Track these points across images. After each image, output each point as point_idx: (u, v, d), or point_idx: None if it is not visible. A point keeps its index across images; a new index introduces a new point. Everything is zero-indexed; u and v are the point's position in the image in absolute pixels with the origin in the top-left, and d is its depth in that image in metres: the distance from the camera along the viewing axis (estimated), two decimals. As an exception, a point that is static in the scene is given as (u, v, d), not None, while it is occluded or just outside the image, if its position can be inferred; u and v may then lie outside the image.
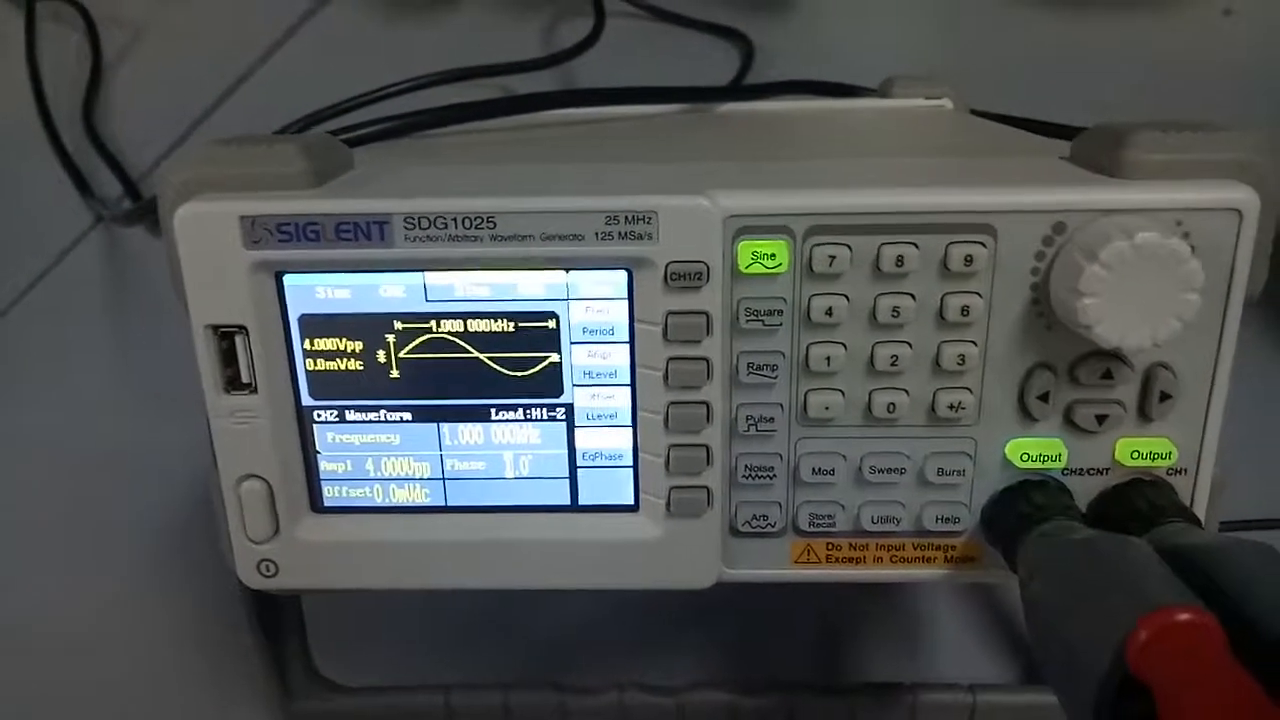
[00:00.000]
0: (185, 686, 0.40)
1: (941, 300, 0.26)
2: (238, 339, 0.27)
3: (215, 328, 0.27)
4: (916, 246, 0.25)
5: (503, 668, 0.38)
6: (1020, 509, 0.26)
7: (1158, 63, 0.59)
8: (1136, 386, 0.26)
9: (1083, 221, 0.25)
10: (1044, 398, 0.26)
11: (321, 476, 0.29)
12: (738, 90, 0.56)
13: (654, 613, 0.42)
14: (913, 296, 0.26)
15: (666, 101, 0.46)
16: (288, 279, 0.27)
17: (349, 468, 0.28)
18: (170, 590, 0.43)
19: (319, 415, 0.28)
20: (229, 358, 0.27)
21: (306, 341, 0.27)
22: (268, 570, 0.29)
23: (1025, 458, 0.27)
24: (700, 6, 0.76)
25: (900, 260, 0.25)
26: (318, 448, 0.28)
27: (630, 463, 0.28)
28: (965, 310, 0.26)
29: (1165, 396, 0.26)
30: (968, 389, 0.27)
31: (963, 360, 0.26)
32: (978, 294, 0.26)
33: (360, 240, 0.26)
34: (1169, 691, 0.20)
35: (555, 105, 0.43)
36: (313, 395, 0.28)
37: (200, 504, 0.45)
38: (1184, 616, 0.20)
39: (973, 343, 0.26)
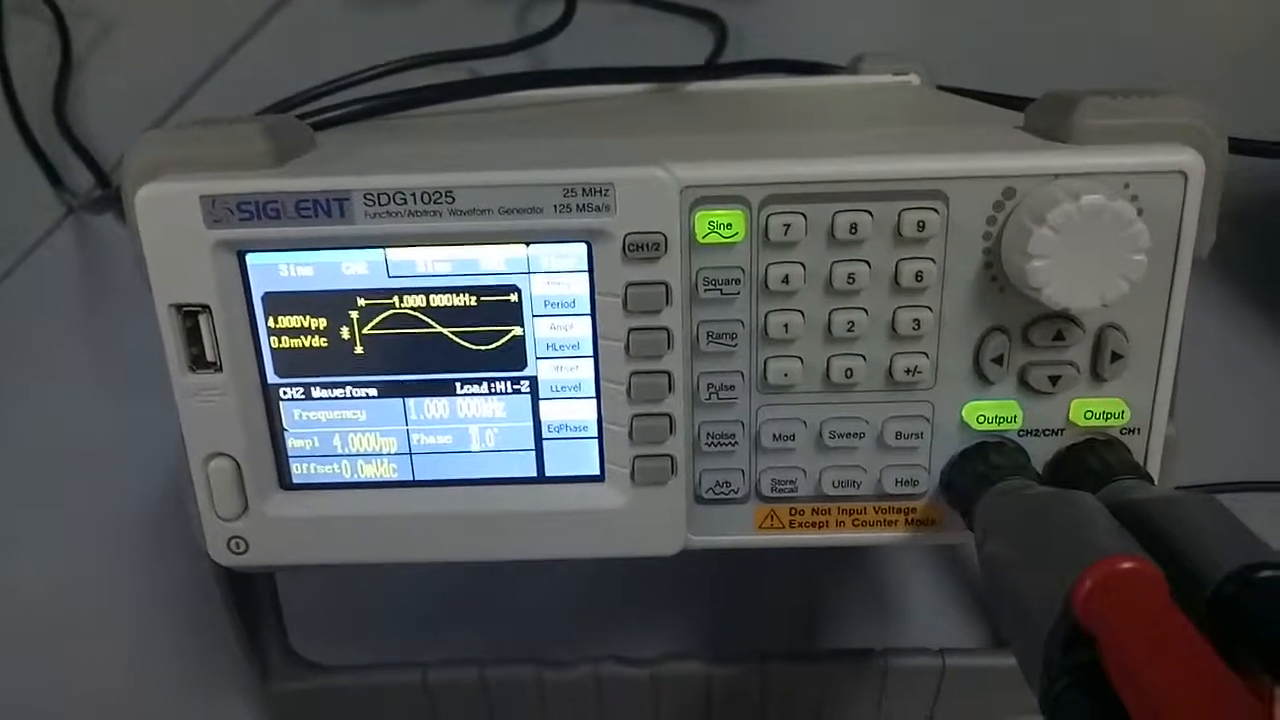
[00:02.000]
0: (163, 671, 0.40)
1: (896, 266, 0.26)
2: (201, 318, 0.27)
3: (179, 307, 0.27)
4: (870, 214, 0.26)
5: (479, 645, 0.39)
6: (977, 470, 0.27)
7: (1130, 42, 0.59)
8: (1088, 348, 0.27)
9: (1032, 186, 0.25)
10: (998, 360, 0.27)
11: (289, 453, 0.29)
12: (705, 69, 0.56)
13: (629, 586, 0.42)
14: (868, 263, 0.26)
15: (634, 81, 0.46)
16: (250, 257, 0.27)
17: (316, 444, 0.29)
18: (148, 575, 0.44)
19: (285, 392, 0.28)
20: (193, 337, 0.27)
21: (270, 319, 0.27)
22: (238, 547, 0.29)
23: (982, 420, 0.27)
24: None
25: (854, 228, 0.26)
26: (284, 425, 0.29)
27: (595, 433, 0.28)
28: (919, 276, 0.26)
29: (1116, 357, 0.27)
30: (924, 353, 0.27)
31: (918, 325, 0.27)
32: (931, 260, 0.26)
33: (321, 217, 0.26)
34: (1113, 638, 0.20)
35: (521, 86, 0.43)
36: (278, 373, 0.28)
37: (173, 488, 0.45)
38: (1128, 565, 0.21)
39: (928, 308, 0.27)
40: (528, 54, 0.64)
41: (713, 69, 0.58)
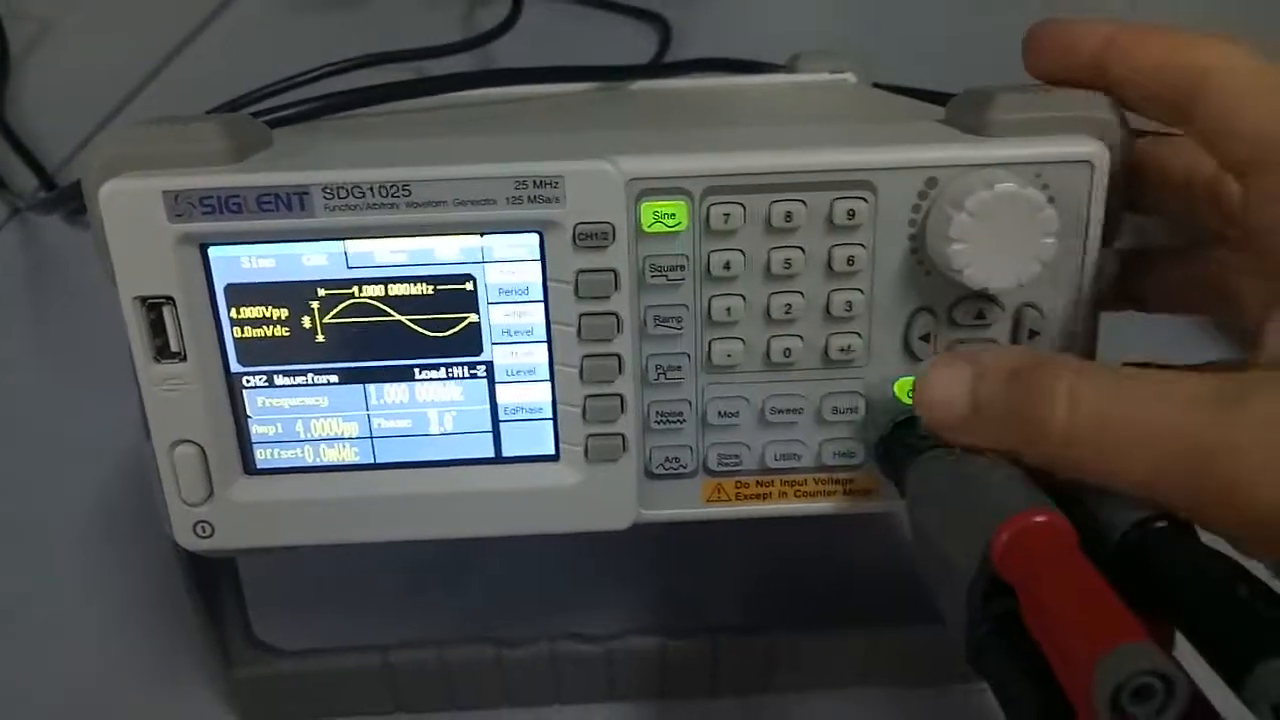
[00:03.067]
0: (122, 661, 0.41)
1: (829, 252, 0.28)
2: (165, 310, 0.28)
3: (143, 299, 0.28)
4: (804, 203, 0.28)
5: (437, 627, 0.40)
6: (908, 441, 0.29)
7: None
8: (1008, 325, 0.29)
9: (952, 176, 0.27)
10: (926, 338, 0.29)
11: (253, 439, 0.30)
12: (650, 69, 0.57)
13: (585, 565, 0.44)
14: (803, 250, 0.28)
15: (581, 80, 0.48)
16: (212, 250, 0.28)
17: (279, 430, 0.30)
18: (105, 567, 0.44)
19: (248, 380, 0.29)
20: (158, 328, 0.28)
21: (233, 310, 0.28)
22: (203, 531, 0.30)
23: (911, 394, 0.29)
24: (616, -11, 0.78)
25: (789, 216, 0.28)
26: (248, 412, 0.30)
27: (550, 414, 0.30)
28: (851, 260, 0.28)
29: (1034, 334, 0.29)
30: (856, 333, 0.29)
31: (850, 307, 0.28)
32: (862, 245, 0.28)
33: (281, 211, 0.27)
34: (1029, 588, 0.22)
35: (471, 85, 0.44)
36: (241, 361, 0.29)
37: (128, 480, 0.46)
38: (1040, 518, 0.23)
39: (859, 290, 0.28)
40: (475, 54, 0.65)
41: (656, 68, 0.59)
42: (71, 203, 0.50)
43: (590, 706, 0.39)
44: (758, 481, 0.31)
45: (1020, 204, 0.26)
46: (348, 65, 0.55)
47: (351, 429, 0.30)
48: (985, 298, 0.28)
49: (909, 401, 0.29)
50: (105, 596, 0.43)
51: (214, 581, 0.36)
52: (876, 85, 0.47)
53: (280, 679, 0.38)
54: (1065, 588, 0.21)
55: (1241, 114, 0.25)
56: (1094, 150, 0.27)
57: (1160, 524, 0.23)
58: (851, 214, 0.27)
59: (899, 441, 0.29)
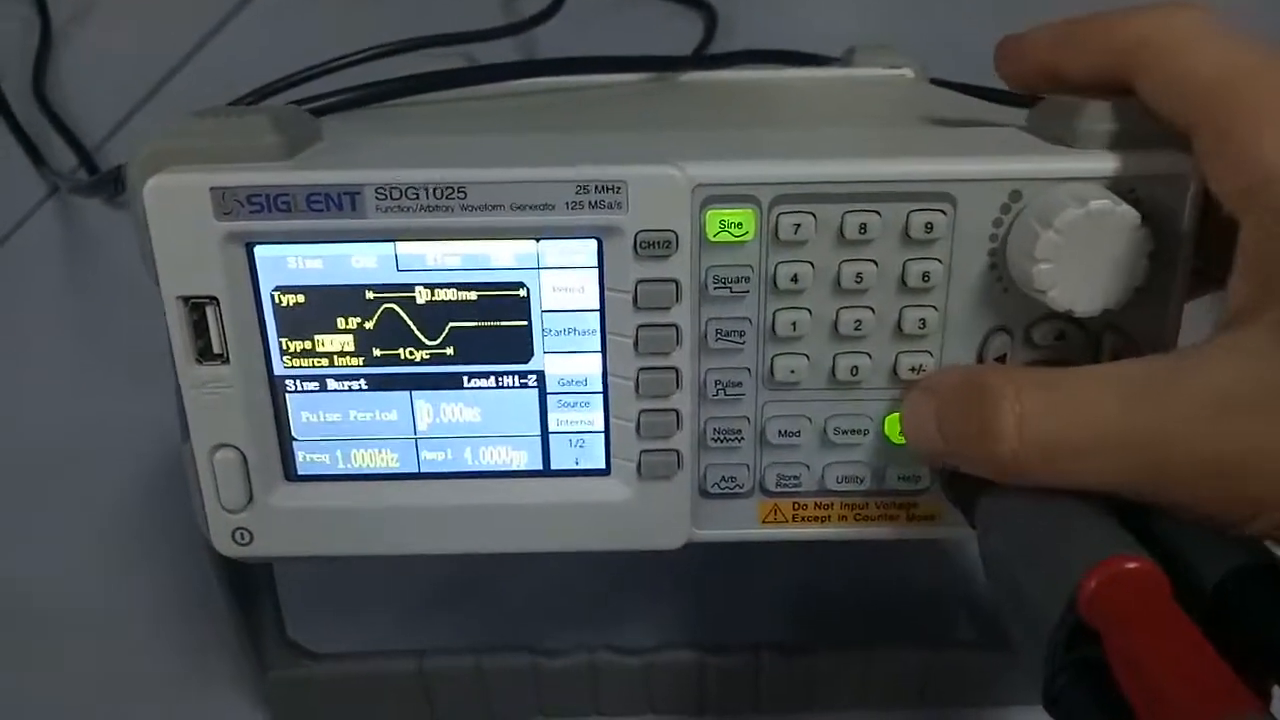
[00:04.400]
0: (159, 663, 0.40)
1: (903, 266, 0.27)
2: (209, 310, 0.27)
3: (186, 299, 0.27)
4: (879, 214, 0.26)
5: (476, 633, 0.39)
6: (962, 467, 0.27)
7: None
8: (1089, 348, 0.27)
9: (1038, 190, 0.26)
10: (1001, 359, 0.27)
11: (295, 445, 0.29)
12: (702, 59, 0.56)
13: (628, 577, 0.42)
14: (875, 263, 0.27)
15: (631, 70, 0.46)
16: (259, 250, 0.27)
17: (322, 436, 0.29)
18: (142, 565, 0.43)
19: (291, 384, 0.28)
20: (200, 329, 0.27)
21: (278, 311, 0.27)
22: (242, 538, 0.29)
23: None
24: (662, -26, 0.76)
25: (863, 228, 0.26)
26: (290, 416, 0.29)
27: (602, 428, 0.29)
28: (926, 276, 0.27)
29: (1116, 358, 0.27)
30: (928, 352, 0.27)
31: (923, 324, 0.27)
32: (938, 260, 0.26)
33: (332, 211, 0.26)
34: (1117, 636, 0.21)
35: (519, 75, 0.43)
36: (285, 365, 0.28)
37: (166, 477, 0.45)
38: (1131, 565, 0.21)
39: (933, 307, 0.27)
40: (518, 40, 0.64)
41: (709, 59, 0.58)
42: (112, 186, 0.49)
43: None
44: (816, 503, 0.29)
45: (1114, 222, 0.24)
46: (390, 49, 0.54)
47: (396, 436, 0.29)
48: (1067, 319, 0.27)
49: (900, 440, 0.28)
50: (140, 596, 0.43)
51: (250, 583, 0.35)
52: (935, 81, 0.46)
53: (314, 682, 0.38)
54: (1161, 642, 0.20)
55: (1179, 74, 0.24)
56: (1189, 164, 0.25)
57: (1260, 572, 0.21)
58: (929, 227, 0.26)
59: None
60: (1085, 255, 0.25)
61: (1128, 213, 0.24)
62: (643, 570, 0.42)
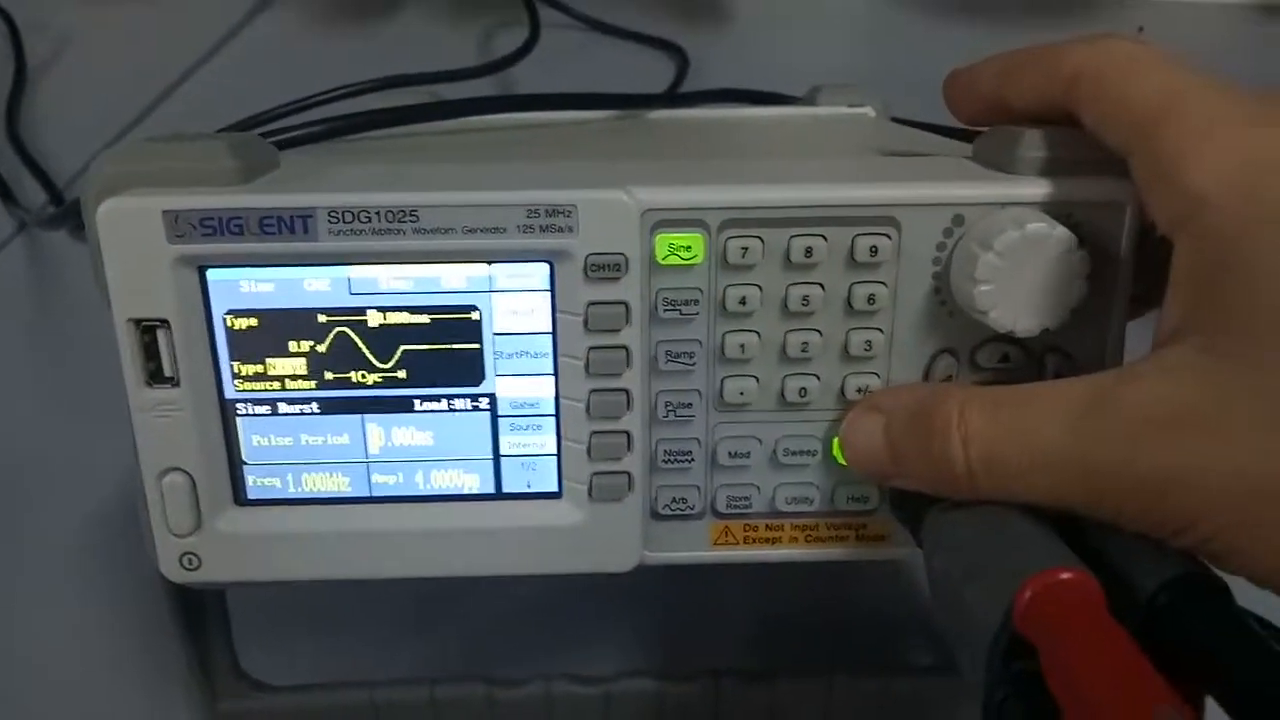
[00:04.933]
0: (109, 692, 0.40)
1: (849, 290, 0.27)
2: (160, 333, 0.27)
3: (138, 321, 0.27)
4: (825, 238, 0.27)
5: (430, 664, 0.39)
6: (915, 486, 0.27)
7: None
8: (1033, 370, 0.28)
9: (980, 214, 0.26)
10: (947, 380, 0.28)
11: (245, 469, 0.29)
12: (667, 98, 0.57)
13: (584, 604, 0.42)
14: (822, 286, 0.27)
15: (598, 108, 0.47)
16: (211, 273, 0.27)
17: (272, 460, 0.29)
18: (94, 594, 0.43)
19: (242, 408, 0.28)
20: (151, 351, 0.27)
21: (230, 335, 0.27)
22: (190, 563, 0.29)
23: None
24: (636, 18, 0.78)
25: (809, 251, 0.27)
26: (241, 440, 0.29)
27: (554, 451, 0.29)
28: (871, 299, 0.27)
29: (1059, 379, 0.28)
30: (875, 374, 0.28)
31: (870, 346, 0.27)
32: (883, 283, 0.27)
33: (284, 234, 0.26)
34: (1052, 647, 0.21)
35: (484, 110, 0.44)
36: (236, 388, 0.28)
37: (120, 505, 0.45)
38: (1066, 576, 0.21)
39: (879, 330, 0.27)
40: (492, 79, 0.65)
41: (674, 97, 0.59)
42: (77, 218, 0.50)
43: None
44: (767, 525, 0.29)
45: (1052, 245, 0.25)
46: (362, 88, 0.55)
47: (347, 460, 0.29)
48: (1010, 341, 0.27)
49: (843, 459, 0.28)
50: (90, 627, 0.42)
51: (201, 613, 0.35)
52: (896, 119, 0.47)
53: (266, 714, 0.37)
54: (1092, 650, 0.20)
55: (1117, 102, 0.25)
56: (1128, 190, 0.26)
57: (1191, 584, 0.22)
58: (874, 251, 0.27)
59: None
60: (1024, 277, 0.25)
61: (1064, 235, 0.25)
62: (602, 598, 0.42)
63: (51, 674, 0.40)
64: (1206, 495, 0.21)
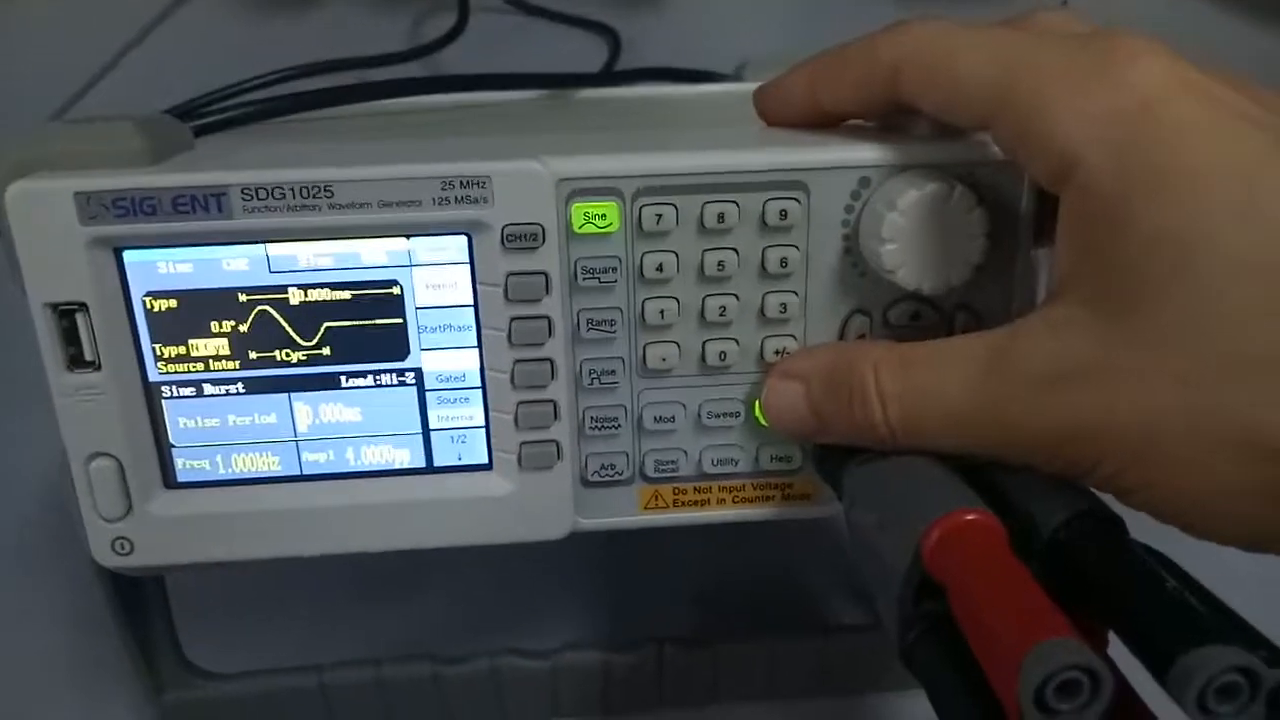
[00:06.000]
0: (49, 687, 0.39)
1: (763, 254, 0.28)
2: (79, 317, 0.27)
3: (55, 306, 0.27)
4: (737, 204, 0.27)
5: (376, 645, 0.39)
6: (842, 445, 0.28)
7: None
8: (944, 326, 0.29)
9: (884, 176, 0.27)
10: (861, 340, 0.29)
11: (173, 451, 0.29)
12: (594, 77, 0.57)
13: (529, 577, 0.43)
14: (736, 251, 0.28)
15: (523, 88, 0.47)
16: (128, 255, 0.27)
17: (200, 442, 0.29)
18: (28, 589, 0.42)
19: (167, 390, 0.28)
20: (71, 336, 0.27)
21: (150, 317, 0.27)
22: (122, 548, 0.29)
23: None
24: (568, 1, 0.78)
25: (722, 217, 0.27)
26: (167, 423, 0.29)
27: (482, 423, 0.29)
28: (784, 262, 0.28)
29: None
30: (792, 335, 0.29)
31: (785, 309, 0.28)
32: (795, 246, 0.28)
33: (199, 213, 0.26)
34: (959, 586, 0.22)
35: (410, 92, 0.44)
36: (159, 370, 0.28)
37: (52, 506, 0.44)
38: (970, 517, 0.22)
39: (794, 292, 0.28)
40: (422, 63, 0.65)
41: (601, 76, 0.59)
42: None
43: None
44: (695, 488, 0.30)
45: (950, 204, 0.26)
46: (288, 74, 0.54)
47: (276, 439, 0.29)
48: (920, 299, 0.28)
49: (765, 421, 0.29)
50: (29, 619, 0.41)
51: (141, 602, 0.35)
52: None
53: (213, 703, 0.37)
54: (993, 585, 0.21)
55: (956, 81, 0.25)
56: None
57: (1089, 521, 0.23)
58: (784, 214, 0.27)
59: (835, 445, 0.29)
60: (927, 236, 0.26)
61: (963, 194, 0.26)
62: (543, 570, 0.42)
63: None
64: (1100, 441, 0.22)
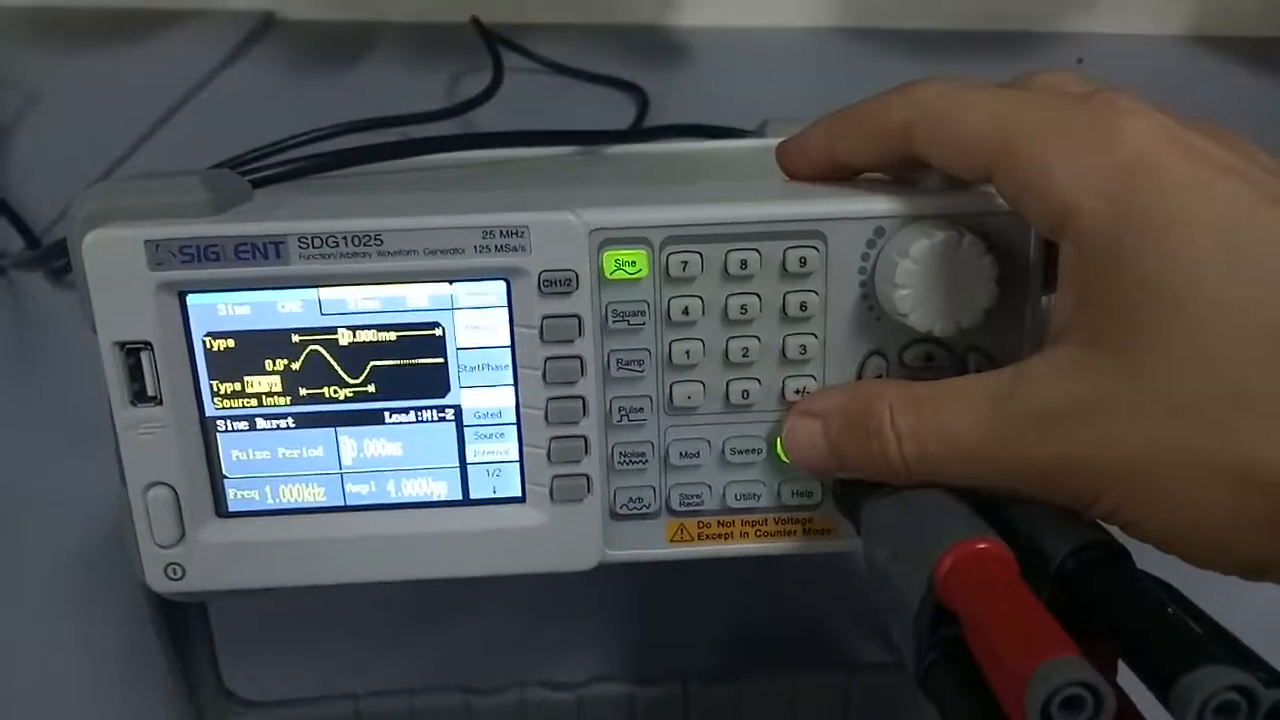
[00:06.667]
0: (90, 718, 0.41)
1: (784, 298, 0.29)
2: (144, 355, 0.29)
3: (122, 344, 0.29)
4: (759, 252, 0.29)
5: (411, 676, 0.40)
6: (862, 479, 0.29)
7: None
8: (956, 368, 0.30)
9: (898, 226, 0.29)
10: (877, 380, 0.30)
11: (225, 482, 0.31)
12: (623, 134, 0.60)
13: (562, 613, 0.44)
14: (759, 296, 0.29)
15: (556, 144, 0.50)
16: (190, 298, 0.29)
17: (251, 473, 0.30)
18: (76, 624, 0.44)
19: (222, 425, 0.30)
20: (135, 373, 0.29)
21: (209, 356, 0.29)
22: (175, 574, 0.30)
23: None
24: (597, 61, 0.81)
25: (744, 264, 0.29)
26: (221, 455, 0.30)
27: (516, 457, 0.31)
28: (804, 306, 0.29)
29: (981, 376, 0.30)
30: (812, 376, 0.30)
31: (805, 350, 0.30)
32: (814, 291, 0.29)
33: (258, 259, 0.28)
34: (971, 612, 0.23)
35: (449, 148, 0.46)
36: (215, 406, 0.30)
37: (101, 538, 0.46)
38: (982, 546, 0.24)
39: (813, 335, 0.30)
40: (456, 121, 0.67)
41: (629, 133, 0.62)
42: (55, 261, 0.51)
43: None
44: (719, 522, 0.31)
45: (960, 251, 0.28)
46: (332, 131, 0.57)
47: (321, 471, 0.31)
48: (933, 341, 0.30)
49: (786, 458, 0.30)
50: (76, 653, 0.43)
51: (186, 633, 0.36)
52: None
53: (250, 730, 0.38)
54: (1003, 610, 0.22)
55: (958, 138, 0.26)
56: None
57: (1095, 551, 0.24)
58: (804, 261, 0.29)
59: (854, 480, 0.30)
60: (938, 281, 0.28)
61: (972, 242, 0.28)
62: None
63: (36, 696, 0.41)
64: (1101, 476, 0.24)
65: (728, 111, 0.60)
